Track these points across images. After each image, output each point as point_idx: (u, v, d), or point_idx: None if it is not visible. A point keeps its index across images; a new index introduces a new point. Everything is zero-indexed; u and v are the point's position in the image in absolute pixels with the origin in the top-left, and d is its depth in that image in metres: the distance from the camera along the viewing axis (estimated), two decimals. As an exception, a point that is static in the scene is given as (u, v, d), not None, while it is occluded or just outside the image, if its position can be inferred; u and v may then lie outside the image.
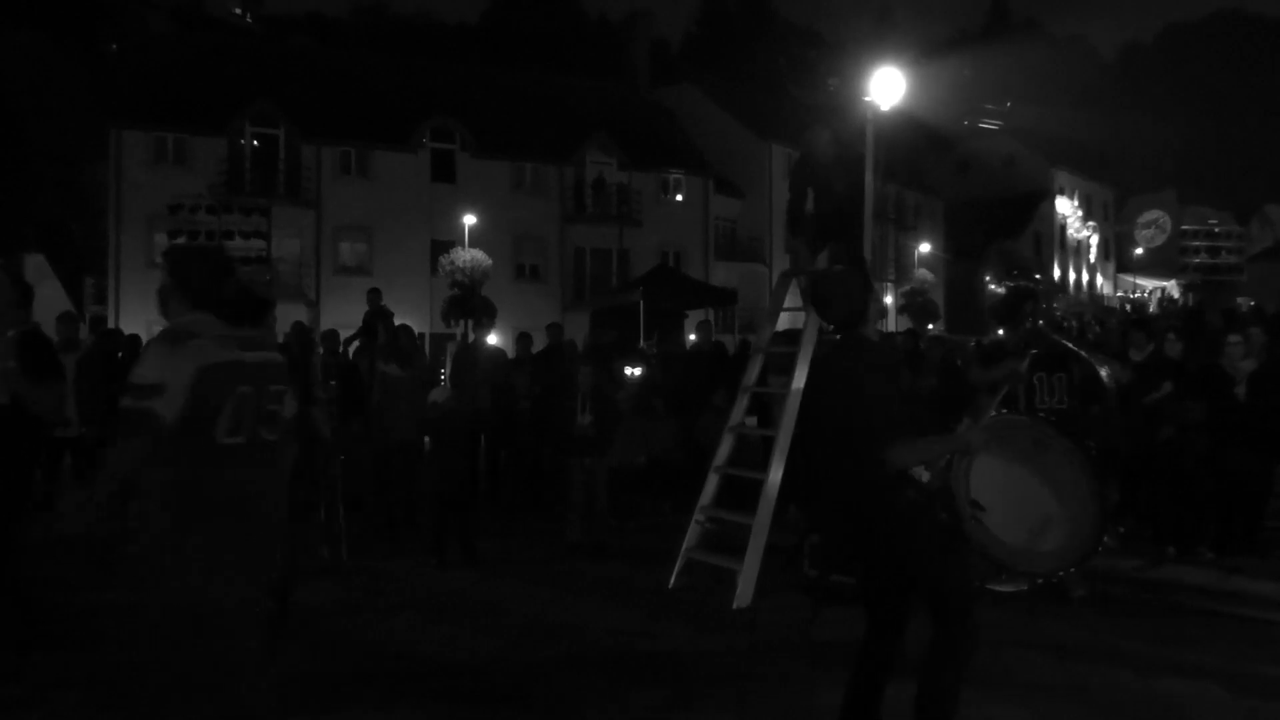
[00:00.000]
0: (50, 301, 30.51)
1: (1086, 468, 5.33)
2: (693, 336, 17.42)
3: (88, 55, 38.65)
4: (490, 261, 27.95)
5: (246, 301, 3.31)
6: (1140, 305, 46.05)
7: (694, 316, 21.32)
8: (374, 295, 12.47)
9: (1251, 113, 69.92)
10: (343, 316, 26.15)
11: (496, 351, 12.41)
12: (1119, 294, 60.93)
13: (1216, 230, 68.38)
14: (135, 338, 12.22)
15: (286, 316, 26.65)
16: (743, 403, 7.44)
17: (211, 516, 3.06)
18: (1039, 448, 5.43)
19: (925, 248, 46.42)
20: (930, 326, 33.47)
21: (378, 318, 11.65)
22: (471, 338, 21.20)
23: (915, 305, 38.62)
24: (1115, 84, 79.90)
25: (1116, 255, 64.97)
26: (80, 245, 36.99)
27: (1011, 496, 5.27)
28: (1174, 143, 68.05)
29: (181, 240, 24.72)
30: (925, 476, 3.74)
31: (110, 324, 28.19)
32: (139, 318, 23.51)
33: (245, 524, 3.13)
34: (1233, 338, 8.18)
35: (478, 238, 30.46)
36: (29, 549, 6.13)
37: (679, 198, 37.20)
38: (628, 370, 10.51)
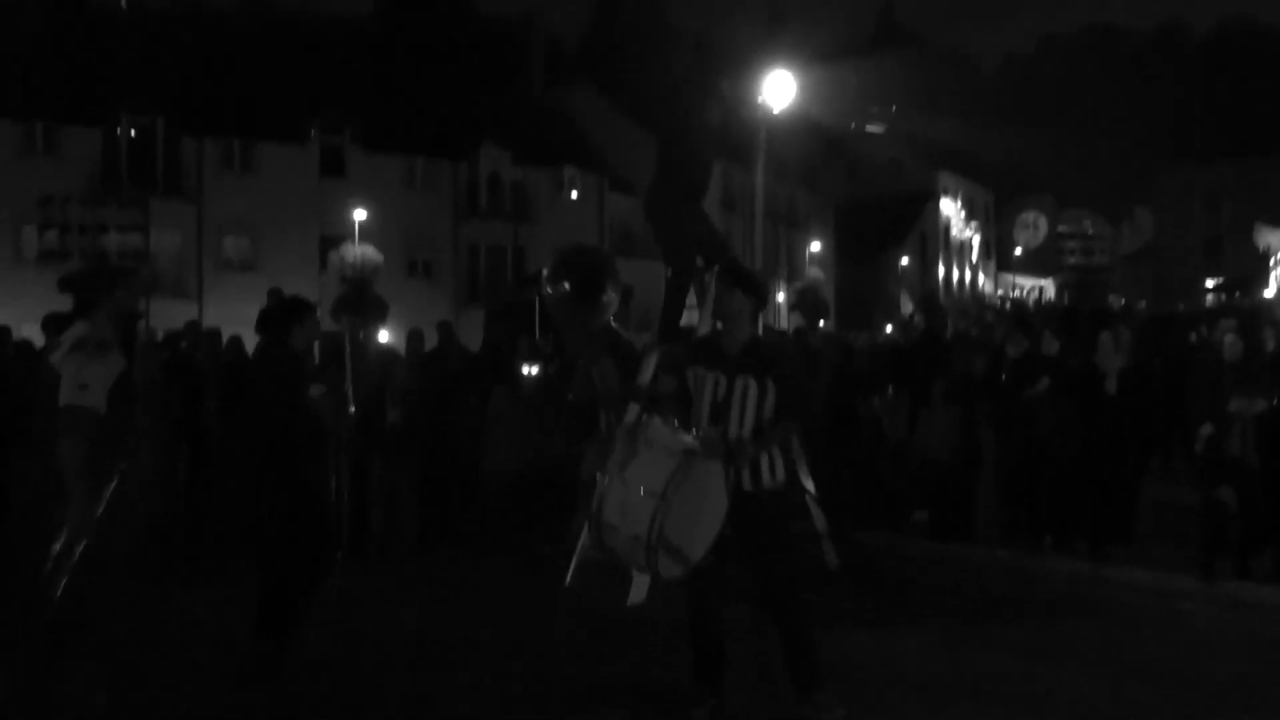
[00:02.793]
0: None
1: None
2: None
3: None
4: (381, 257, 27.41)
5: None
6: (1020, 303, 47.82)
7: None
8: (274, 295, 11.99)
9: (1123, 119, 73.28)
10: (228, 313, 25.33)
11: (387, 350, 12.15)
12: (999, 292, 63.22)
13: (1090, 232, 71.56)
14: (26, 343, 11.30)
15: (168, 313, 25.77)
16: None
17: None
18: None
19: (816, 246, 47.38)
20: (820, 323, 34.16)
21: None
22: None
23: (806, 303, 39.34)
24: (996, 92, 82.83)
25: (997, 254, 67.39)
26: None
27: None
28: (1050, 148, 70.86)
29: (53, 234, 23.60)
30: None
31: (-25, 322, 26.77)
32: (6, 313, 22.29)
33: None
34: (1104, 335, 8.53)
35: (368, 234, 29.83)
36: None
37: (574, 195, 37.10)
38: (525, 369, 10.40)
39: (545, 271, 6.75)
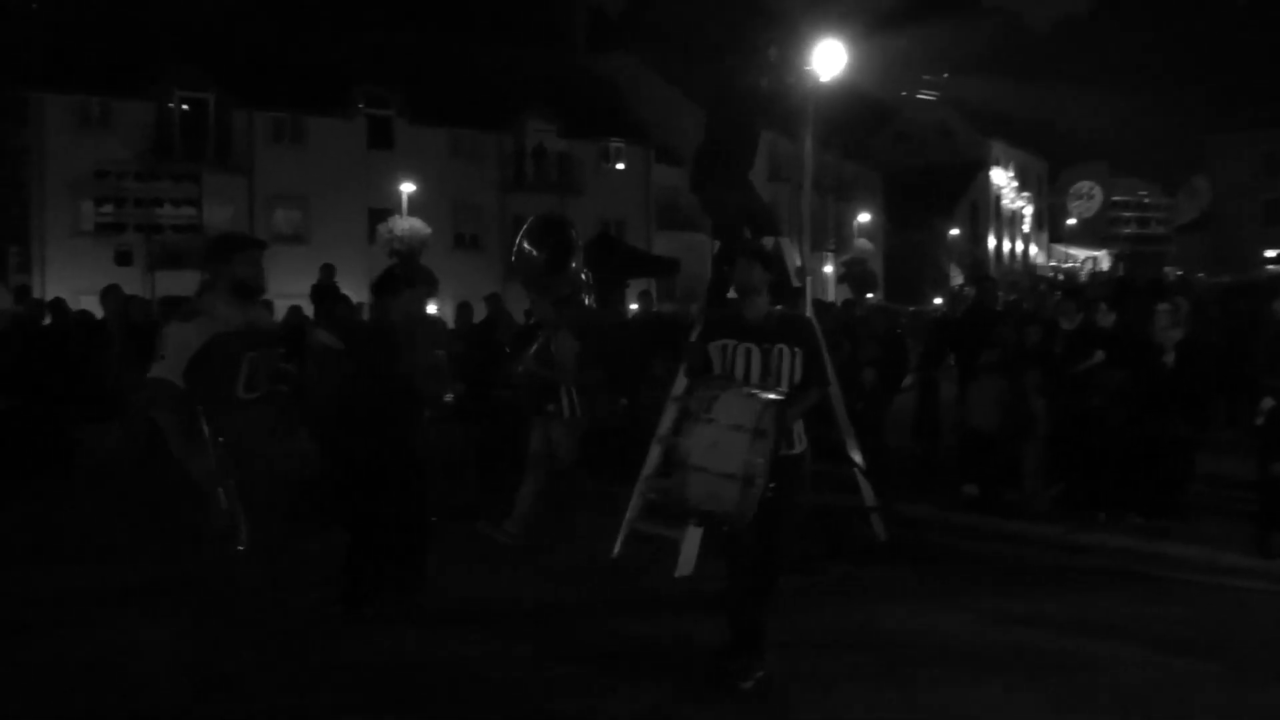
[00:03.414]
0: (-30, 271, 29.45)
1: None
2: (634, 306, 17.39)
3: (5, 15, 37.16)
4: (429, 230, 27.60)
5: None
6: (1071, 274, 47.03)
7: (635, 286, 21.28)
8: (326, 271, 12.12)
9: (1179, 85, 71.41)
10: (277, 285, 25.62)
11: (437, 321, 12.25)
12: (1052, 263, 62.19)
13: (1146, 201, 69.94)
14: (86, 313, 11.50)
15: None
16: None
17: None
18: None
19: (864, 217, 46.88)
20: (869, 296, 33.84)
21: (325, 293, 11.34)
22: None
23: (855, 274, 39.03)
24: (1049, 57, 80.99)
25: (1050, 225, 66.25)
26: (2, 214, 35.75)
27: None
28: (1105, 115, 69.28)
29: (109, 208, 24.05)
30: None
31: (36, 294, 27.39)
32: (65, 286, 22.79)
33: None
34: (1161, 306, 8.37)
35: (416, 206, 30.03)
36: None
37: (620, 166, 37.02)
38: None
39: (519, 237, 6.85)
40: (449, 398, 6.49)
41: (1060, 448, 8.47)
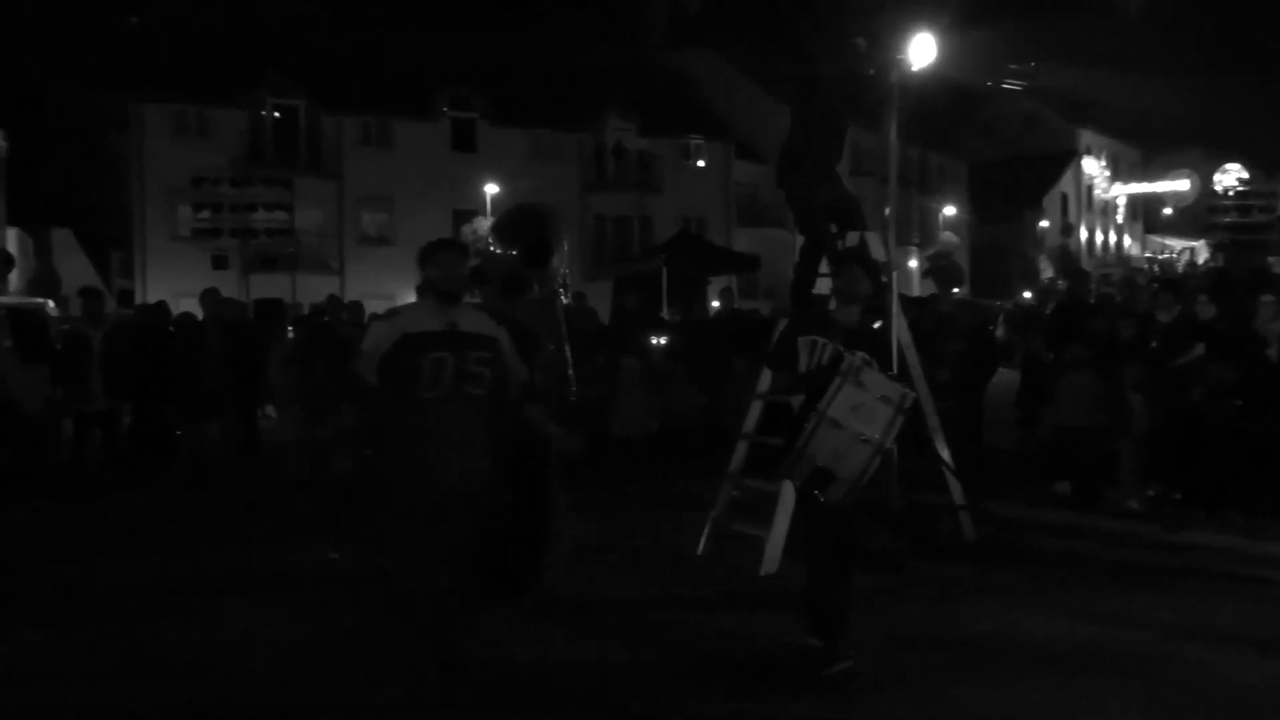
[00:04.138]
0: (77, 275, 30.77)
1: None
2: (716, 304, 17.38)
3: (108, 28, 38.66)
4: (511, 230, 27.87)
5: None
6: (1168, 265, 45.54)
7: (716, 284, 21.24)
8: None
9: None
10: (366, 286, 26.24)
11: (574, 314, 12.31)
12: (1147, 254, 60.21)
13: (1246, 188, 67.24)
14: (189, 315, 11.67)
15: (312, 287, 26.78)
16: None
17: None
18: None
19: (949, 210, 46.01)
20: (955, 290, 33.23)
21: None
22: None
23: (940, 269, 38.30)
24: (1143, 39, 78.41)
25: (1144, 215, 64.19)
26: (106, 219, 37.19)
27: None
28: (1201, 98, 66.77)
29: (206, 214, 24.83)
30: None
31: (137, 297, 28.45)
32: (165, 289, 23.63)
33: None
34: (1265, 298, 8.07)
35: (499, 207, 30.35)
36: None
37: (700, 164, 36.95)
38: (652, 340, 10.51)
39: (489, 229, 6.43)
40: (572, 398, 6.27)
41: (1158, 444, 8.23)
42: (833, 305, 5.07)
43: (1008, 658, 4.88)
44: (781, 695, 4.48)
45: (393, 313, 4.60)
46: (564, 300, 6.28)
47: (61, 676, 4.76)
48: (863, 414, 4.32)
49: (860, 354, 4.53)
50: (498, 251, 5.99)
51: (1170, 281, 12.82)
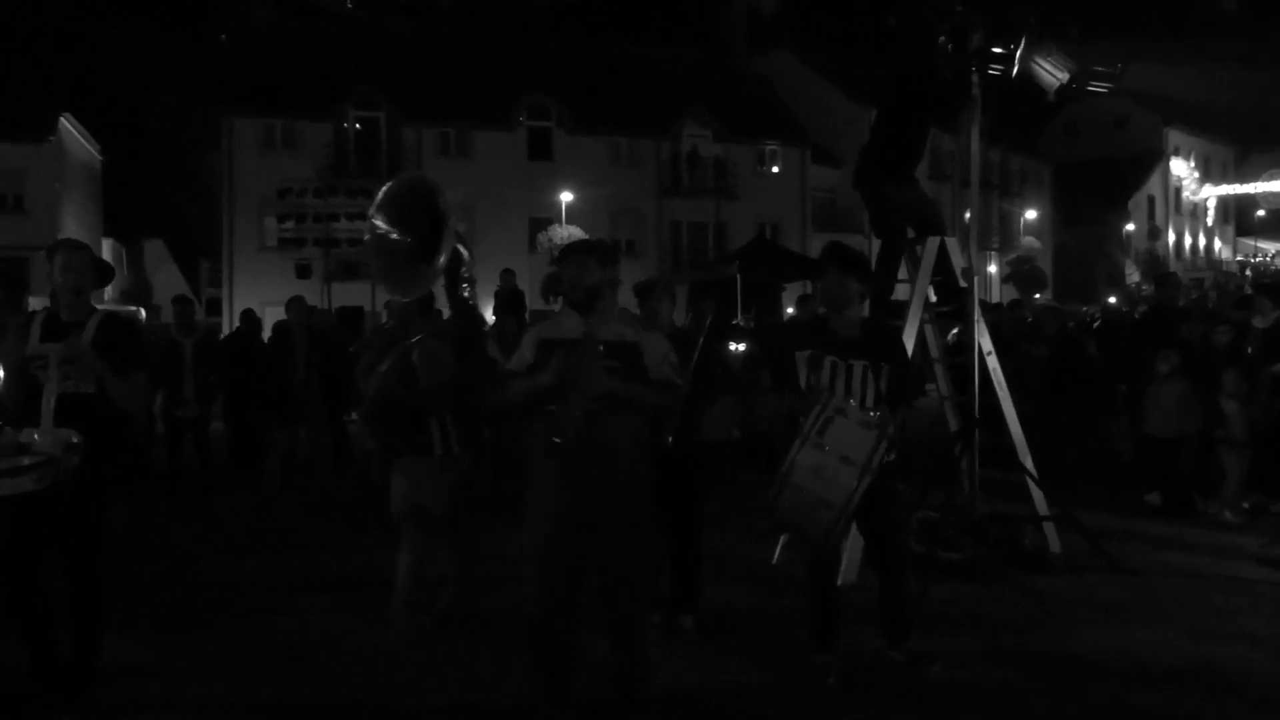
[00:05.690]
0: (168, 285, 31.78)
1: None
2: (792, 310, 17.26)
3: (198, 46, 40.02)
4: (587, 238, 28.10)
5: None
6: (1260, 269, 43.99)
7: (792, 289, 21.11)
8: (507, 276, 12.13)
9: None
10: (442, 293, 26.60)
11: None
12: (1239, 258, 58.19)
13: (1346, 188, 64.40)
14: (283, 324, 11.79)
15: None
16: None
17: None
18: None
19: (1031, 214, 45.07)
20: (1037, 296, 32.52)
21: (511, 299, 11.38)
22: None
23: (1022, 274, 37.55)
24: (1237, 34, 75.89)
25: (1236, 217, 62.07)
26: (196, 230, 38.41)
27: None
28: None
29: (290, 224, 25.44)
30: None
31: (225, 306, 29.29)
32: (252, 298, 24.30)
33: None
34: (1367, 303, 7.77)
35: (575, 214, 30.62)
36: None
37: (775, 169, 36.79)
38: (732, 346, 10.47)
39: (373, 211, 5.23)
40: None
41: (1256, 454, 7.95)
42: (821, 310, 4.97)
43: (1133, 679, 4.69)
44: (878, 705, 4.42)
45: (539, 320, 4.55)
46: (468, 292, 5.58)
47: (188, 674, 4.87)
48: (824, 479, 4.12)
49: (835, 399, 4.34)
50: (394, 236, 5.23)
51: (1268, 286, 12.40)
